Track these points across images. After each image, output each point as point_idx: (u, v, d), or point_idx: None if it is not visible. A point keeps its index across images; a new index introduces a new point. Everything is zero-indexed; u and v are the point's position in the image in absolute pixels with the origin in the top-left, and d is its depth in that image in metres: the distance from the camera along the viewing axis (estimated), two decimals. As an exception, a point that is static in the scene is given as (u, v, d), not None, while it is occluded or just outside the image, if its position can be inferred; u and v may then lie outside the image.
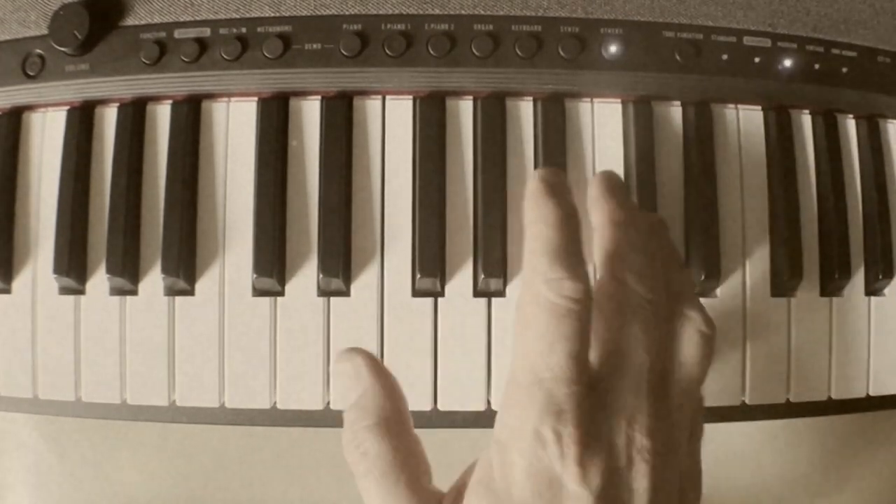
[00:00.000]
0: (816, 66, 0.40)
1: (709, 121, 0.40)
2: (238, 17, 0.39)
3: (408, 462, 0.30)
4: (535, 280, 0.29)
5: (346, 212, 0.39)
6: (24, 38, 0.40)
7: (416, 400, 0.38)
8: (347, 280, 0.39)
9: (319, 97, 0.40)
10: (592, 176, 0.37)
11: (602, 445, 0.28)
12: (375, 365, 0.32)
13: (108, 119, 0.40)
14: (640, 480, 0.28)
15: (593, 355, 0.29)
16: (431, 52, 0.39)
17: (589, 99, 0.40)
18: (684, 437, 0.30)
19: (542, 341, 0.28)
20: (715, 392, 0.39)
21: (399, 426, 0.30)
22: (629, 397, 0.28)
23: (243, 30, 0.39)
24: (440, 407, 0.38)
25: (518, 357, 0.29)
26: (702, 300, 0.39)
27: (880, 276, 0.41)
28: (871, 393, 0.41)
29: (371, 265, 0.39)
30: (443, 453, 0.45)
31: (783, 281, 0.40)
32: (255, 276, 0.38)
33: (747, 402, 0.40)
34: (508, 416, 0.28)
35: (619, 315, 0.29)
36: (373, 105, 0.40)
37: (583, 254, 0.29)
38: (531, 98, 0.40)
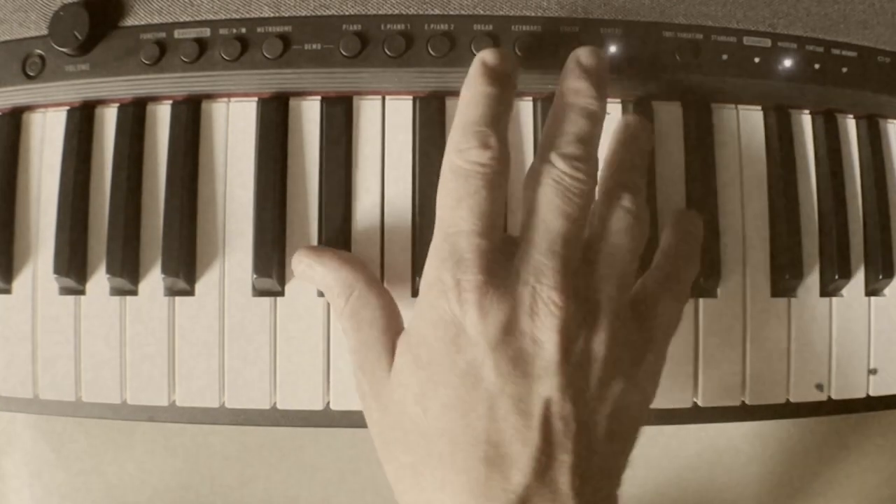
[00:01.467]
0: (816, 66, 0.40)
1: (709, 121, 0.40)
2: (238, 17, 0.39)
3: (368, 309, 0.34)
4: (450, 150, 0.32)
5: (346, 212, 0.39)
6: (24, 39, 0.40)
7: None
8: (347, 280, 0.39)
9: (319, 97, 0.40)
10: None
11: (503, 295, 0.29)
12: (319, 251, 0.36)
13: (108, 119, 0.40)
14: (545, 332, 0.29)
15: (521, 226, 0.32)
16: (431, 52, 0.39)
17: (589, 99, 0.40)
18: (618, 307, 0.31)
19: (450, 199, 0.31)
20: (715, 392, 0.39)
21: (359, 283, 0.35)
22: (539, 256, 0.30)
23: (243, 30, 0.39)
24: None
25: (436, 220, 0.32)
26: (701, 300, 0.39)
27: (880, 276, 0.41)
28: (871, 393, 0.41)
29: (371, 265, 0.39)
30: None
31: (783, 281, 0.40)
32: (255, 276, 0.38)
33: (747, 402, 0.40)
34: (424, 273, 0.32)
35: (537, 186, 0.32)
36: (373, 105, 0.40)
37: (500, 130, 0.32)
38: (531, 98, 0.40)
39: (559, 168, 0.32)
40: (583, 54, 0.35)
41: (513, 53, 0.35)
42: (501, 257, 0.31)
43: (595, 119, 0.33)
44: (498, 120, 0.32)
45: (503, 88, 0.33)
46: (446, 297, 0.30)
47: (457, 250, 0.30)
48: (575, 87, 0.34)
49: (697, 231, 0.37)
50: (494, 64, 0.34)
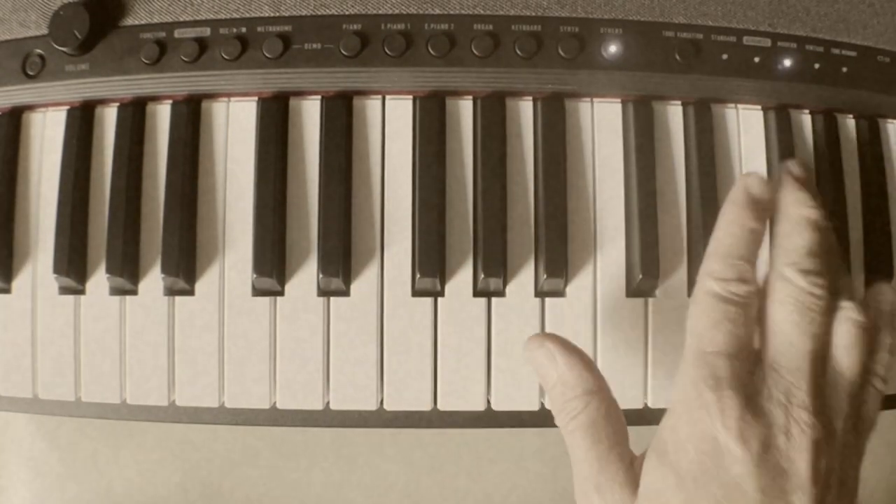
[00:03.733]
0: (816, 66, 0.40)
1: (709, 121, 0.40)
2: (238, 17, 0.39)
3: (609, 422, 0.33)
4: (708, 276, 0.33)
5: (346, 212, 0.39)
6: (24, 38, 0.40)
7: (416, 400, 0.38)
8: (347, 280, 0.39)
9: (319, 97, 0.40)
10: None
11: (760, 412, 0.31)
12: (567, 344, 0.35)
13: (108, 119, 0.40)
14: (799, 452, 0.30)
15: (760, 344, 0.33)
16: (431, 51, 0.39)
17: (589, 99, 0.40)
18: (847, 426, 0.32)
19: (707, 321, 0.33)
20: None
21: (601, 392, 0.34)
22: (788, 376, 0.31)
23: (243, 30, 0.39)
24: (440, 407, 0.38)
25: (688, 338, 0.33)
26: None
27: (880, 276, 0.41)
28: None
29: (371, 265, 0.39)
30: (443, 452, 0.45)
31: (783, 281, 0.39)
32: (255, 275, 0.38)
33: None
34: (677, 389, 0.32)
35: (783, 306, 0.33)
36: (373, 105, 0.40)
37: (754, 263, 0.34)
38: (531, 98, 0.40)
39: (798, 285, 0.33)
40: (793, 167, 0.36)
41: (768, 181, 0.36)
42: (757, 375, 0.32)
43: (823, 231, 0.34)
44: (753, 252, 0.34)
45: (760, 218, 0.34)
46: (709, 415, 0.31)
47: (716, 370, 0.31)
48: (796, 197, 0.35)
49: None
50: (762, 196, 0.35)
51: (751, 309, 0.33)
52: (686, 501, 0.30)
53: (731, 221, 0.34)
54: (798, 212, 0.34)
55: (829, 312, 0.33)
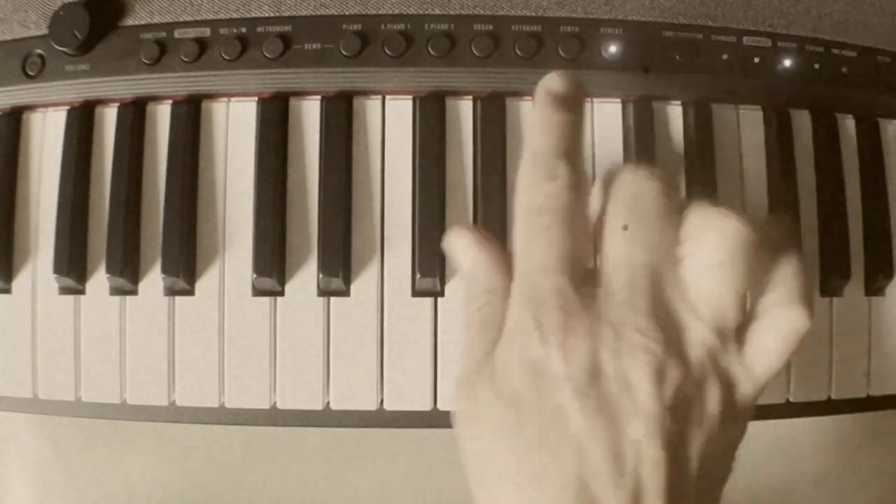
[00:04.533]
0: (816, 66, 0.40)
1: (709, 121, 0.40)
2: (238, 17, 0.39)
3: (497, 328, 0.30)
4: (518, 186, 0.30)
5: (346, 212, 0.39)
6: (24, 38, 0.40)
7: (416, 400, 0.38)
8: (347, 280, 0.39)
9: (319, 97, 0.40)
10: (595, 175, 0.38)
11: (587, 335, 0.28)
12: (484, 239, 0.32)
13: (108, 119, 0.40)
14: (634, 374, 0.27)
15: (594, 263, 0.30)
16: (431, 52, 0.39)
17: (589, 99, 0.40)
18: (711, 340, 0.29)
19: (523, 238, 0.30)
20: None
21: (503, 294, 0.31)
22: (621, 291, 0.28)
23: (243, 30, 0.39)
24: (440, 407, 0.38)
25: (514, 258, 0.30)
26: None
27: (880, 276, 0.41)
28: (871, 393, 0.41)
29: (371, 265, 0.39)
30: (444, 453, 0.45)
31: (783, 281, 0.39)
32: (255, 276, 0.38)
33: (747, 402, 0.40)
34: (508, 312, 0.30)
35: (613, 206, 0.30)
36: (373, 105, 0.40)
37: (571, 157, 0.30)
38: (531, 98, 0.40)
39: (629, 179, 0.30)
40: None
41: (573, 77, 0.33)
42: (583, 294, 0.29)
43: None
44: (567, 148, 0.30)
45: (571, 108, 0.31)
46: (529, 339, 0.28)
47: (536, 290, 0.29)
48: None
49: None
50: (559, 88, 0.32)
51: (572, 209, 0.29)
52: (512, 427, 0.28)
53: (535, 124, 0.31)
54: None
55: (675, 215, 0.29)
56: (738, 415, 0.29)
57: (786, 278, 0.30)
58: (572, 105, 0.31)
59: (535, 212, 0.29)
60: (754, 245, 0.28)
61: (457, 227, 0.33)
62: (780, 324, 0.30)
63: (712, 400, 0.28)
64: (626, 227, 0.29)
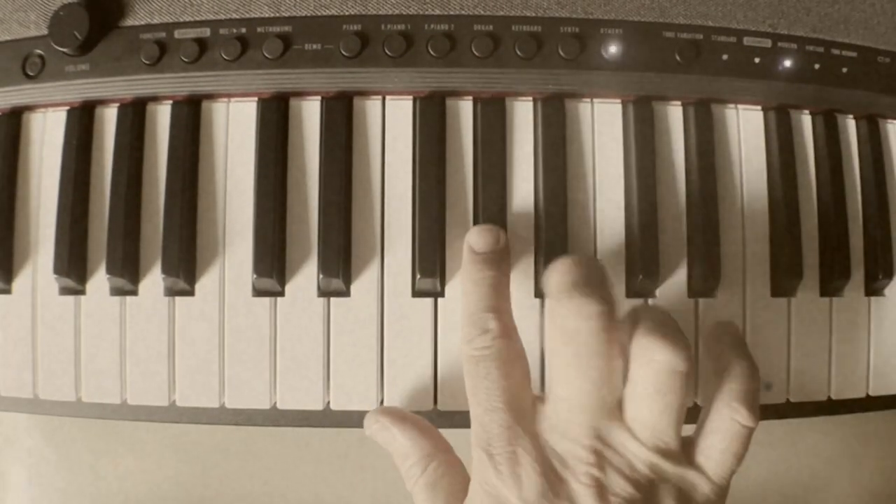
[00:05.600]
0: (816, 66, 0.40)
1: (709, 121, 0.40)
2: (238, 17, 0.39)
3: (446, 480, 0.35)
4: (461, 341, 0.35)
5: (346, 212, 0.39)
6: (24, 39, 0.40)
7: (416, 400, 0.38)
8: (347, 280, 0.39)
9: (319, 97, 0.40)
10: (592, 176, 0.40)
11: (535, 460, 0.31)
12: (399, 414, 0.37)
13: (108, 119, 0.40)
14: (580, 494, 0.30)
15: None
16: (431, 52, 0.39)
17: (589, 99, 0.40)
18: (652, 460, 0.32)
19: (470, 384, 0.34)
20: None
21: (438, 454, 0.36)
22: (565, 415, 0.32)
23: (243, 30, 0.39)
24: (440, 407, 0.38)
25: (469, 406, 0.34)
26: (701, 300, 0.39)
27: (880, 276, 0.41)
28: (871, 393, 0.41)
29: (371, 265, 0.39)
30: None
31: (783, 281, 0.40)
32: (255, 276, 0.38)
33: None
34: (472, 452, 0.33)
35: (551, 340, 0.33)
36: (373, 105, 0.40)
37: (500, 307, 0.34)
38: (531, 98, 0.40)
39: (564, 310, 0.32)
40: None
41: (495, 227, 0.37)
42: (528, 424, 0.33)
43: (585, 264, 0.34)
44: (494, 300, 0.35)
45: (493, 267, 0.35)
46: (486, 471, 0.32)
47: (485, 428, 0.32)
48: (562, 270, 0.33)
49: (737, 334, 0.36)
50: (480, 248, 0.36)
51: (504, 353, 0.33)
52: None
53: (464, 281, 0.36)
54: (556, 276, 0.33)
55: (612, 342, 0.31)
56: None
57: (733, 379, 0.33)
58: (497, 260, 0.36)
59: (474, 361, 0.33)
60: (686, 375, 0.31)
61: (369, 416, 0.37)
62: (726, 423, 0.33)
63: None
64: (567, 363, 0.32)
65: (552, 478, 0.31)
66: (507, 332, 0.34)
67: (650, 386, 0.31)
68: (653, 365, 0.31)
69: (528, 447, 0.32)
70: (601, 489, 0.30)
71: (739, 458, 0.33)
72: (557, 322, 0.32)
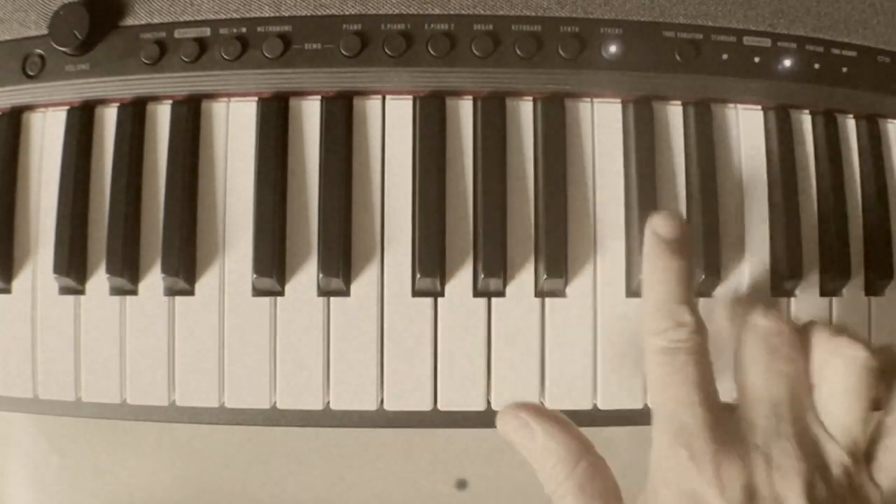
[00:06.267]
0: (816, 66, 0.40)
1: (709, 121, 0.40)
2: (238, 17, 0.39)
3: (597, 482, 0.33)
4: (648, 332, 0.33)
5: (346, 212, 0.39)
6: (24, 38, 0.40)
7: (416, 400, 0.38)
8: (347, 280, 0.39)
9: (319, 97, 0.40)
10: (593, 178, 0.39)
11: (738, 457, 0.30)
12: (541, 411, 0.34)
13: (108, 119, 0.40)
14: (788, 492, 0.29)
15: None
16: (431, 52, 0.39)
17: (589, 99, 0.40)
18: (847, 462, 0.31)
19: (661, 377, 0.32)
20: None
21: (585, 453, 0.33)
22: (763, 418, 0.31)
23: (243, 30, 0.39)
24: (440, 407, 0.38)
25: (650, 398, 0.33)
26: (701, 300, 0.39)
27: (880, 277, 0.41)
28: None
29: (371, 265, 0.39)
30: (444, 453, 0.45)
31: (783, 281, 0.40)
32: (255, 276, 0.38)
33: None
34: (653, 451, 0.32)
35: (746, 346, 0.33)
36: (373, 105, 0.40)
37: (691, 300, 0.33)
38: (531, 98, 0.40)
39: (759, 323, 0.33)
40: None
41: (679, 214, 0.36)
42: (725, 423, 0.31)
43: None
44: (686, 291, 0.33)
45: (683, 256, 0.34)
46: (685, 471, 0.30)
47: (684, 425, 0.31)
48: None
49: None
50: (670, 236, 0.34)
51: (701, 348, 0.32)
52: None
53: (650, 270, 0.34)
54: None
55: (803, 347, 0.32)
56: None
57: None
58: (685, 249, 0.34)
59: (670, 353, 0.32)
60: (876, 370, 0.31)
61: (504, 411, 0.34)
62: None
63: None
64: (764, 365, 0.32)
65: (758, 479, 0.30)
66: (702, 327, 0.33)
67: (845, 384, 0.31)
68: (849, 361, 0.31)
69: (733, 449, 0.30)
70: (810, 489, 0.29)
71: None
72: (751, 328, 0.33)
